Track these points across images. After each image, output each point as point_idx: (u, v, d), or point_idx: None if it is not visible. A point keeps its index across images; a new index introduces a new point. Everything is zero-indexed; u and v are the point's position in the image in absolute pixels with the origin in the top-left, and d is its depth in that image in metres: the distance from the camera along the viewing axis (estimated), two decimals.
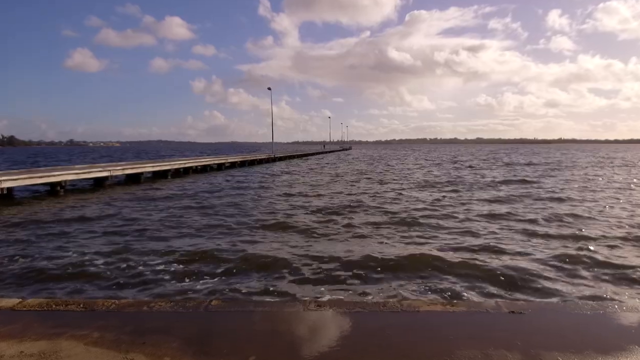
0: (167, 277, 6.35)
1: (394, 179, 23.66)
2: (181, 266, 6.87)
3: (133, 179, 22.86)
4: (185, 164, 29.09)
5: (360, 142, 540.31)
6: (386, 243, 8.20)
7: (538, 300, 5.56)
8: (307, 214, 11.82)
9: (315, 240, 8.62)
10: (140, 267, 6.79)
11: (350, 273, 6.43)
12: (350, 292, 5.85)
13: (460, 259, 6.89)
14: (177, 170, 27.70)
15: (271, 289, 5.86)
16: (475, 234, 8.99)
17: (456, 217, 10.99)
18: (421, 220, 10.46)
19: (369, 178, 24.38)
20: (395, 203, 13.84)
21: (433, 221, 10.40)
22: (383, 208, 12.58)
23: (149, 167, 24.77)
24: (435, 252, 7.31)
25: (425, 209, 12.41)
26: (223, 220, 10.89)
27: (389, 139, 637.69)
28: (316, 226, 9.94)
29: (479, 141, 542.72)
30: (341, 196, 15.55)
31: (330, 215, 11.36)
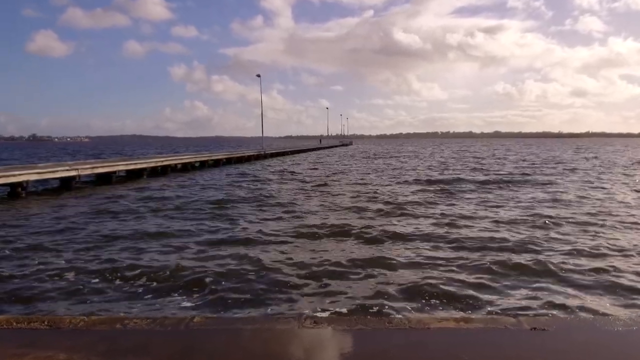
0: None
1: None
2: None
3: (104, 179, 22.83)
4: (163, 162, 29.09)
5: (362, 137, 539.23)
6: None
7: (563, 315, 5.59)
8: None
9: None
10: None
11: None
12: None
13: None
14: (154, 169, 27.69)
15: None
16: None
17: None
18: None
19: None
20: None
21: None
22: None
23: (121, 166, 24.74)
24: None
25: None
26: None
27: (394, 133, 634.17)
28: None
29: (497, 135, 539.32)
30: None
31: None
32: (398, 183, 21.43)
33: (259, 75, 53.32)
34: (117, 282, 6.82)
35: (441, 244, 8.90)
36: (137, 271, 7.26)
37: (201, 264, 7.63)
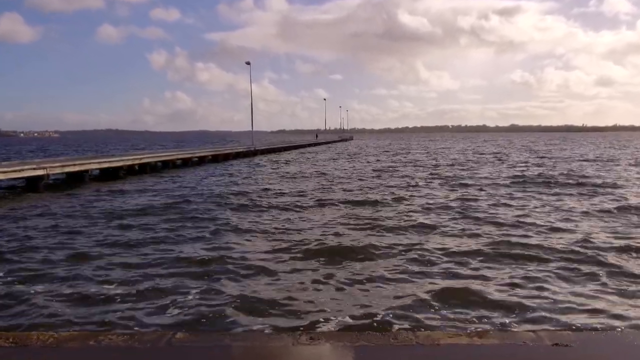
0: None
1: None
2: None
3: (75, 179, 22.79)
4: (141, 159, 29.06)
5: (363, 131, 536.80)
6: None
7: (588, 329, 5.61)
8: None
9: None
10: None
11: None
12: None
13: None
14: (131, 167, 27.66)
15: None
16: None
17: None
18: None
19: None
20: None
21: None
22: None
23: (95, 164, 24.71)
24: None
25: None
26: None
27: (400, 127, 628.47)
28: None
29: (514, 129, 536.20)
30: None
31: None
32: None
33: (248, 63, 53.39)
34: None
35: None
36: None
37: None
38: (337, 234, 10.85)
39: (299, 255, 9.05)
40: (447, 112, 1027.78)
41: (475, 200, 16.21)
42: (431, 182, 22.12)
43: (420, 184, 21.57)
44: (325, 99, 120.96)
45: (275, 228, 11.73)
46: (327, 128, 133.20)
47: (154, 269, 8.30)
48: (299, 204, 15.57)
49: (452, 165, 34.05)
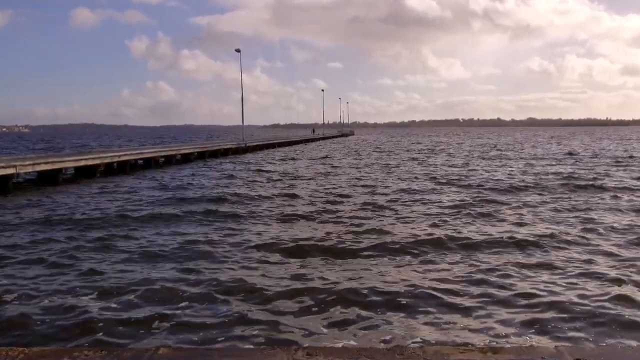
0: None
1: None
2: None
3: (48, 179, 22.70)
4: (120, 157, 29.00)
5: (365, 125, 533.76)
6: None
7: (612, 342, 5.60)
8: None
9: None
10: None
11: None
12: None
13: None
14: (109, 165, 27.60)
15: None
16: None
17: None
18: None
19: None
20: None
21: None
22: None
23: (70, 162, 24.63)
24: None
25: None
26: None
27: (406, 120, 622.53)
28: None
29: (531, 123, 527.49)
30: None
31: None
32: None
33: (238, 50, 53.15)
34: None
35: None
36: None
37: None
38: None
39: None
40: (457, 104, 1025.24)
41: None
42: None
43: None
44: (323, 90, 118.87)
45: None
46: (326, 122, 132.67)
47: None
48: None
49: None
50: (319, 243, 10.41)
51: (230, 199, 17.20)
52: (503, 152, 45.62)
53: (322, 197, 17.68)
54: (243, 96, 55.29)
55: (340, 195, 18.03)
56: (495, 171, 27.06)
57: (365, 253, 9.57)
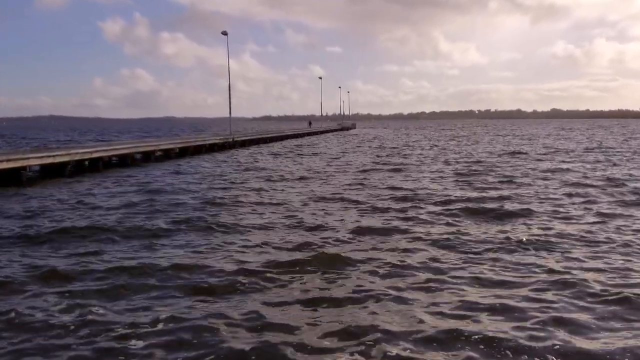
0: None
1: None
2: None
3: (9, 179, 22.54)
4: (92, 153, 28.89)
5: (369, 117, 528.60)
6: None
7: None
8: None
9: None
10: None
11: None
12: None
13: None
14: (80, 163, 27.51)
15: None
16: None
17: None
18: None
19: None
20: None
21: None
22: None
23: (34, 159, 24.50)
24: None
25: None
26: None
27: (414, 112, 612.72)
28: None
29: (555, 114, 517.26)
30: None
31: None
32: None
33: (225, 33, 52.90)
34: None
35: None
36: None
37: None
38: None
39: None
40: (472, 93, 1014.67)
41: None
42: None
43: None
44: (321, 78, 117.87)
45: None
46: (324, 114, 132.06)
47: None
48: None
49: None
50: None
51: (209, 216, 14.96)
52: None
53: (319, 206, 16.70)
54: (230, 85, 55.01)
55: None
56: None
57: None
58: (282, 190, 20.70)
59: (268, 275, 9.26)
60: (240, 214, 15.34)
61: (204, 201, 17.61)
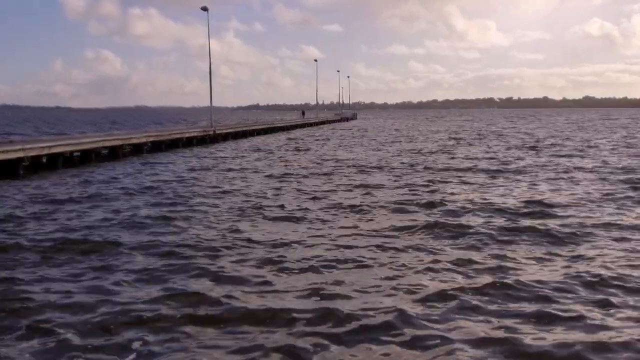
0: None
1: None
2: None
3: None
4: (51, 147, 28.74)
5: (372, 106, 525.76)
6: None
7: None
8: None
9: None
10: None
11: None
12: None
13: None
14: (36, 159, 27.31)
15: None
16: None
17: None
18: None
19: None
20: None
21: None
22: None
23: None
24: None
25: None
26: None
27: (424, 100, 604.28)
28: None
29: (588, 103, 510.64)
30: None
31: None
32: None
33: (205, 9, 52.56)
34: None
35: None
36: None
37: None
38: None
39: None
40: (493, 79, 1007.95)
41: None
42: None
43: None
44: (316, 61, 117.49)
45: None
46: (320, 103, 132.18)
47: None
48: None
49: None
50: None
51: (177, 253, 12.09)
52: None
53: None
54: (211, 69, 54.97)
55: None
56: None
57: None
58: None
59: None
60: None
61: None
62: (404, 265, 11.05)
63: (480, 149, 41.79)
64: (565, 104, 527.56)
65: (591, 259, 11.39)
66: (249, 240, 13.00)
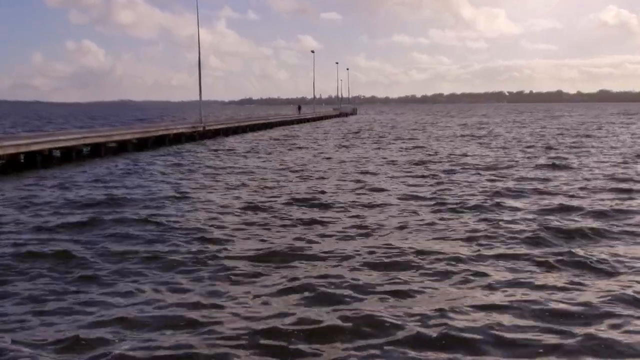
0: None
1: None
2: None
3: None
4: (30, 145, 28.74)
5: (373, 100, 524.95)
6: None
7: None
8: None
9: None
10: None
11: None
12: None
13: None
14: (13, 157, 27.33)
15: None
16: None
17: None
18: None
19: None
20: None
21: None
22: None
23: None
24: None
25: None
26: None
27: (429, 94, 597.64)
28: None
29: (604, 96, 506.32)
30: None
31: None
32: None
33: None
34: None
35: None
36: None
37: None
38: None
39: None
40: (502, 70, 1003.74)
41: None
42: None
43: None
44: (313, 52, 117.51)
45: None
46: (318, 97, 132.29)
47: None
48: None
49: None
50: None
51: None
52: None
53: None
54: (201, 60, 54.82)
55: None
56: None
57: None
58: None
59: None
60: None
61: None
62: None
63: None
64: (580, 97, 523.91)
65: None
66: None
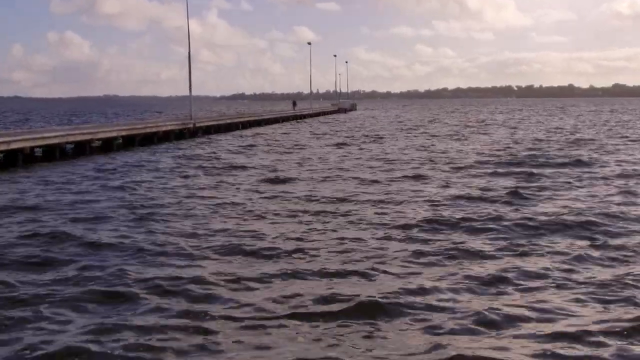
0: None
1: None
2: None
3: None
4: (10, 142, 29.33)
5: (374, 95, 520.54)
6: None
7: None
8: None
9: None
10: None
11: None
12: None
13: None
14: None
15: None
16: None
17: None
18: None
19: None
20: None
21: None
22: None
23: None
24: None
25: None
26: None
27: (433, 89, 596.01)
28: None
29: (619, 91, 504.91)
30: None
31: None
32: None
33: None
34: None
35: None
36: None
37: None
38: None
39: None
40: (510, 64, 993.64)
41: None
42: None
43: None
44: (310, 44, 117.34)
45: None
46: (315, 92, 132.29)
47: None
48: None
49: None
50: None
51: None
52: None
53: None
54: (191, 53, 55.24)
55: None
56: None
57: None
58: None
59: None
60: None
61: None
62: None
63: None
64: (593, 92, 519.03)
65: None
66: None
